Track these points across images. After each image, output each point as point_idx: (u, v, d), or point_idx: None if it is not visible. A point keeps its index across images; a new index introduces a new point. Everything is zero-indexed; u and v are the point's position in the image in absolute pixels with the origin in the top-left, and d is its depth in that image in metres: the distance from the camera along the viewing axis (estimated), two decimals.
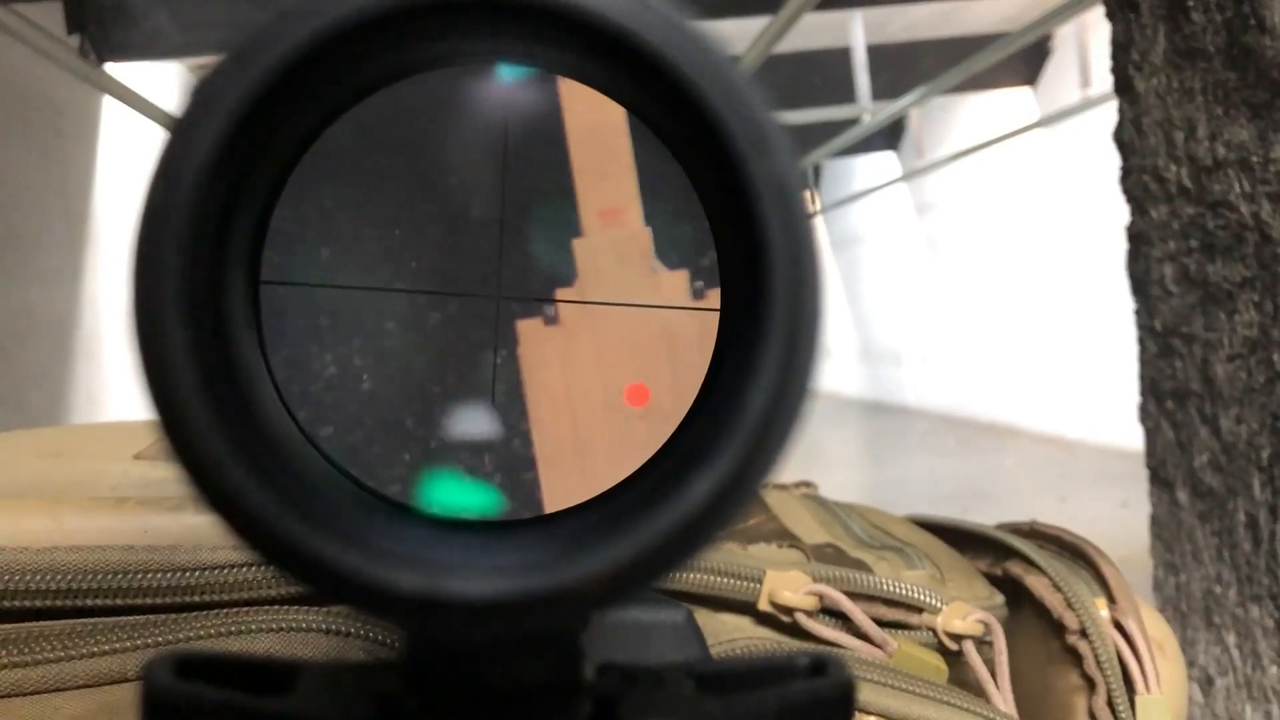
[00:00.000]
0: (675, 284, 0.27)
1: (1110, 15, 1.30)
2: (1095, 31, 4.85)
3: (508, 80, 0.26)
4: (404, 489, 0.26)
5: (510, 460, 0.27)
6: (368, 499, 0.26)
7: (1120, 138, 1.30)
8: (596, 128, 0.27)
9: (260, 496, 0.21)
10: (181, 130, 0.21)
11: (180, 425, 0.21)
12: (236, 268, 0.24)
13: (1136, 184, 1.28)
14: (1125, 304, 1.40)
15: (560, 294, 0.27)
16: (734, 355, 0.23)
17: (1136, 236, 1.29)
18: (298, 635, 0.45)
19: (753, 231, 0.21)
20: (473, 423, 0.27)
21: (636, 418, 0.27)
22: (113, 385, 4.29)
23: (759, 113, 0.21)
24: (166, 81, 4.80)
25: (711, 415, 0.23)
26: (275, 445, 0.24)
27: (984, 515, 0.74)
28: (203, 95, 0.21)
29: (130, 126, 4.44)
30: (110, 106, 4.29)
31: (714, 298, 0.27)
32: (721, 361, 0.26)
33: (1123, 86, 1.29)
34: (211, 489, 0.21)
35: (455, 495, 0.27)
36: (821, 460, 6.09)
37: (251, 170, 0.23)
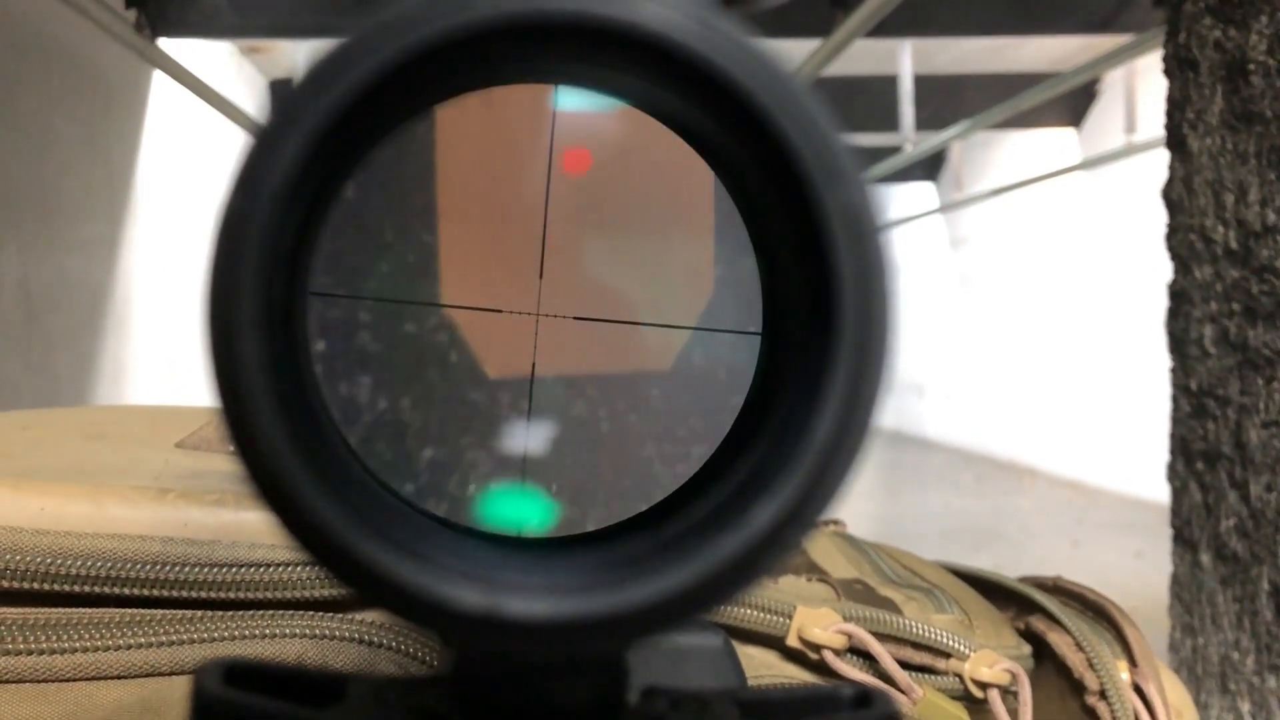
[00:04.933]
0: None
1: (1168, 72, 1.29)
2: (1144, 78, 4.83)
3: (562, 102, 0.26)
4: (461, 505, 0.27)
5: (560, 475, 0.27)
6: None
7: (1169, 195, 1.30)
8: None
9: (325, 507, 0.21)
10: (265, 139, 0.21)
11: (250, 433, 0.21)
12: (303, 278, 0.24)
13: (1182, 243, 1.27)
14: (1154, 354, 1.39)
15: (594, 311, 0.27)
16: (796, 382, 0.23)
17: (1178, 295, 1.29)
18: (330, 643, 0.45)
19: (822, 261, 0.21)
20: (520, 439, 0.27)
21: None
22: (140, 357, 4.32)
23: (831, 138, 0.21)
24: (217, 60, 4.83)
25: (773, 443, 0.23)
26: (342, 457, 0.25)
27: (996, 555, 0.74)
28: (289, 105, 0.21)
29: (178, 103, 4.47)
30: (160, 82, 4.32)
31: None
32: (769, 384, 0.26)
33: (1175, 144, 1.28)
34: (277, 497, 0.21)
35: (511, 511, 0.27)
36: None
37: (325, 183, 0.23)
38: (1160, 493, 1.37)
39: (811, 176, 0.21)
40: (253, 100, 5.12)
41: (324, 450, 0.23)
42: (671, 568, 0.21)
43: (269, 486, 0.21)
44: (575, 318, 0.27)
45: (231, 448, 0.21)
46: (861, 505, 5.78)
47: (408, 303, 0.27)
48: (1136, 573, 2.65)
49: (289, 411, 0.21)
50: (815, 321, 0.22)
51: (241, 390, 0.21)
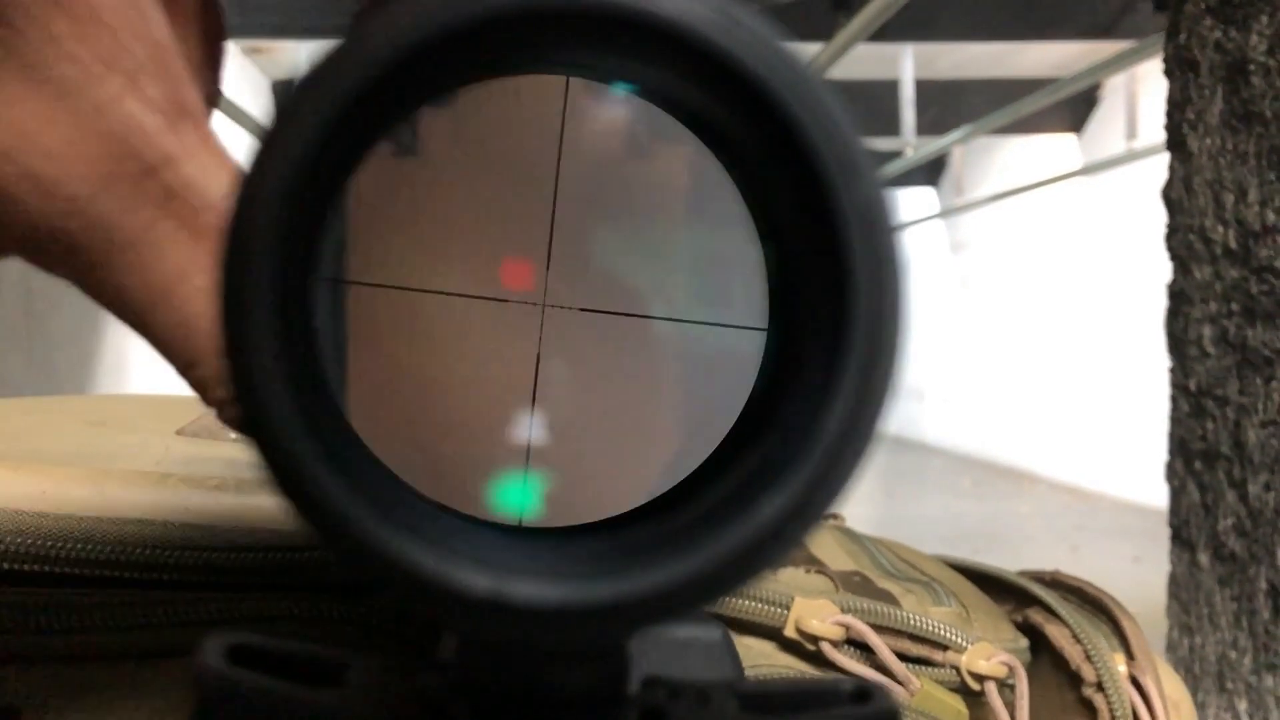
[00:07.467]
0: None
1: (1169, 73, 1.29)
2: (1145, 84, 4.83)
3: (574, 91, 0.26)
4: (466, 492, 0.27)
5: (566, 464, 0.27)
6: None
7: (1169, 195, 1.30)
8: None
9: (337, 491, 0.21)
10: (277, 127, 0.21)
11: (263, 417, 0.21)
12: (315, 264, 0.24)
13: (1182, 243, 1.27)
14: (1154, 359, 1.39)
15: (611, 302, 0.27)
16: (806, 376, 0.22)
17: (1177, 295, 1.29)
18: (332, 626, 0.45)
19: (836, 257, 0.21)
20: (524, 427, 0.27)
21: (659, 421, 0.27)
22: (139, 353, 4.32)
23: (849, 135, 0.21)
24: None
25: (781, 435, 0.23)
26: (352, 442, 0.25)
27: (995, 560, 0.74)
28: (301, 89, 0.20)
29: None
30: None
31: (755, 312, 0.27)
32: (778, 376, 0.26)
33: (1175, 144, 1.28)
34: (289, 480, 0.21)
35: (516, 499, 0.27)
36: None
37: (336, 171, 0.23)
38: (1159, 499, 1.37)
39: (829, 172, 0.21)
40: (256, 100, 5.12)
41: (335, 435, 0.23)
42: (676, 558, 0.21)
43: (281, 470, 0.21)
44: (581, 309, 0.27)
45: (241, 434, 0.21)
46: (860, 509, 5.77)
47: (416, 290, 0.27)
48: (1134, 578, 2.65)
49: (302, 397, 0.21)
50: (826, 316, 0.22)
51: (255, 376, 0.21)
